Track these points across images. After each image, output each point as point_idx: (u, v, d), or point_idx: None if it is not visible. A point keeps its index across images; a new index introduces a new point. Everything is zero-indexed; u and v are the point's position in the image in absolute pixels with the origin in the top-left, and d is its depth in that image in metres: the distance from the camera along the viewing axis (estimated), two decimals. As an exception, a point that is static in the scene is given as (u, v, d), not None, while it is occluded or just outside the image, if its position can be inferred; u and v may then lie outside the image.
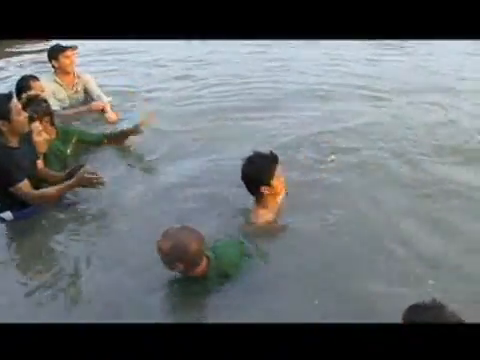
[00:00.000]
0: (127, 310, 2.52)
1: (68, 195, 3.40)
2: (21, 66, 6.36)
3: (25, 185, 3.14)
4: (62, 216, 3.27)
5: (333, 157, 3.84)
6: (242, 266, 2.69)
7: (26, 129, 3.22)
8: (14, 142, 3.18)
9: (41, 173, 3.41)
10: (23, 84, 4.15)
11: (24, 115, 3.16)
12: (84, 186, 3.23)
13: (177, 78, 5.77)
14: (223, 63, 6.32)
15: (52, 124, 3.64)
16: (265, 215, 3.03)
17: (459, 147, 4.02)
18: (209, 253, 2.57)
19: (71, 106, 4.77)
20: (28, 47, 6.99)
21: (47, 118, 3.58)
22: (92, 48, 6.50)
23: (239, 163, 3.04)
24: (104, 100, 4.80)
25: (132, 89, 5.42)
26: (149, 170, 3.91)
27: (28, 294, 2.69)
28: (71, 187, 3.23)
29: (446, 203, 3.31)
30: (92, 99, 4.84)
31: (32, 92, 3.89)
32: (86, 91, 4.87)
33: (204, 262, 2.52)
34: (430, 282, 2.61)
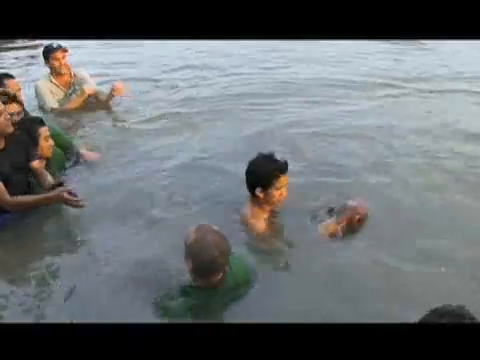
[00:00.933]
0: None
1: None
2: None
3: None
4: (45, 220, 3.16)
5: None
6: (251, 281, 2.55)
7: (9, 130, 3.09)
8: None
9: (38, 174, 3.26)
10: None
11: (5, 115, 3.03)
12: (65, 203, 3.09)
13: (182, 68, 5.87)
14: (229, 55, 6.36)
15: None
16: (255, 213, 2.92)
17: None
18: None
19: None
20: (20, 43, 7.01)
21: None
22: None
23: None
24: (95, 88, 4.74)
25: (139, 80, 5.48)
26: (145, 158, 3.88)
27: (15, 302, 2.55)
28: (48, 200, 3.09)
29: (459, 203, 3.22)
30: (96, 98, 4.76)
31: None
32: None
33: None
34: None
